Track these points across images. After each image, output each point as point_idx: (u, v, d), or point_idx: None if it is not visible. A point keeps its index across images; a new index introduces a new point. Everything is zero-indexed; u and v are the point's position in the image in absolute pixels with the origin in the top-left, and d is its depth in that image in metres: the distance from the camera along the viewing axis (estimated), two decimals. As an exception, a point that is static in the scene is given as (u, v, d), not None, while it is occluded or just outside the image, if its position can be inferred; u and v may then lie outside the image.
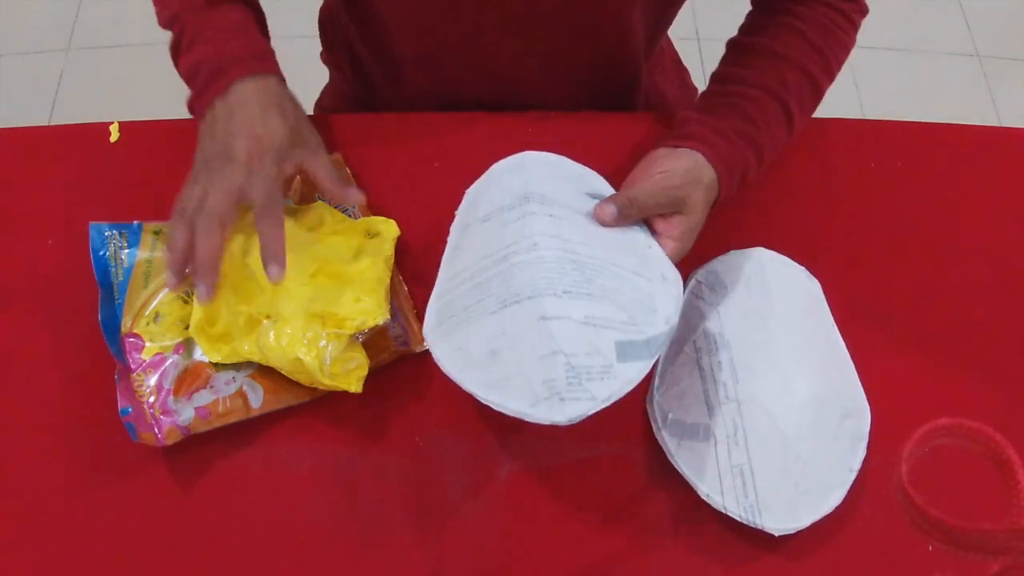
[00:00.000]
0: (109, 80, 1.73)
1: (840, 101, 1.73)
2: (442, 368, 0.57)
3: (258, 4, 0.71)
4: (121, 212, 0.69)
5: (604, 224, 0.62)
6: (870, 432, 0.61)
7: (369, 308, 0.61)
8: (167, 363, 0.61)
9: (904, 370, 0.66)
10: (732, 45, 0.73)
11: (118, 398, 0.60)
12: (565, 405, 0.53)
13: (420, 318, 0.63)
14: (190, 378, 0.61)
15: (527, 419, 0.55)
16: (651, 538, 0.59)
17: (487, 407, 0.59)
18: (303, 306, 0.60)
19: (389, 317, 0.62)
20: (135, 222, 0.66)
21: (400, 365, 0.64)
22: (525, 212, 0.61)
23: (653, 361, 0.56)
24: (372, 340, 0.63)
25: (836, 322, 0.66)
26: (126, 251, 0.65)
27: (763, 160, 0.68)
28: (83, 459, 0.61)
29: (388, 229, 0.68)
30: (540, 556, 0.59)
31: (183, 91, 0.68)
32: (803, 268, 0.68)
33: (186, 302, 0.64)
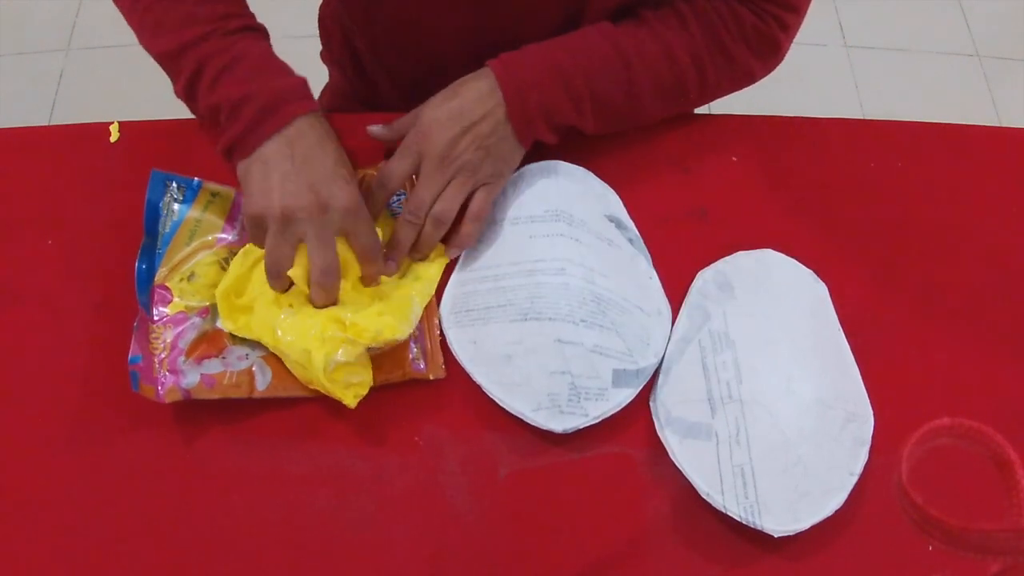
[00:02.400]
0: (109, 80, 1.73)
1: (840, 101, 1.74)
2: (454, 353, 0.64)
3: (262, 26, 0.68)
4: (121, 212, 0.69)
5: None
6: (872, 436, 0.61)
7: (389, 322, 0.60)
8: (187, 323, 0.62)
9: (905, 372, 0.66)
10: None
11: (132, 345, 0.60)
12: (563, 417, 0.60)
13: (444, 348, 0.64)
14: (206, 343, 0.62)
15: (526, 420, 0.61)
16: (651, 538, 0.59)
17: (487, 408, 0.62)
18: (329, 307, 0.61)
19: (406, 336, 0.62)
20: (196, 179, 0.66)
21: (400, 365, 0.64)
22: (554, 231, 0.66)
23: (639, 389, 0.63)
24: (389, 355, 0.63)
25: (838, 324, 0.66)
26: (178, 205, 0.65)
27: (573, 92, 0.66)
28: (84, 460, 0.61)
29: (437, 254, 0.67)
30: (540, 556, 0.59)
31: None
32: (810, 271, 0.68)
33: (223, 269, 0.64)
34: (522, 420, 0.61)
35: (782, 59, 0.74)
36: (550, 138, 0.69)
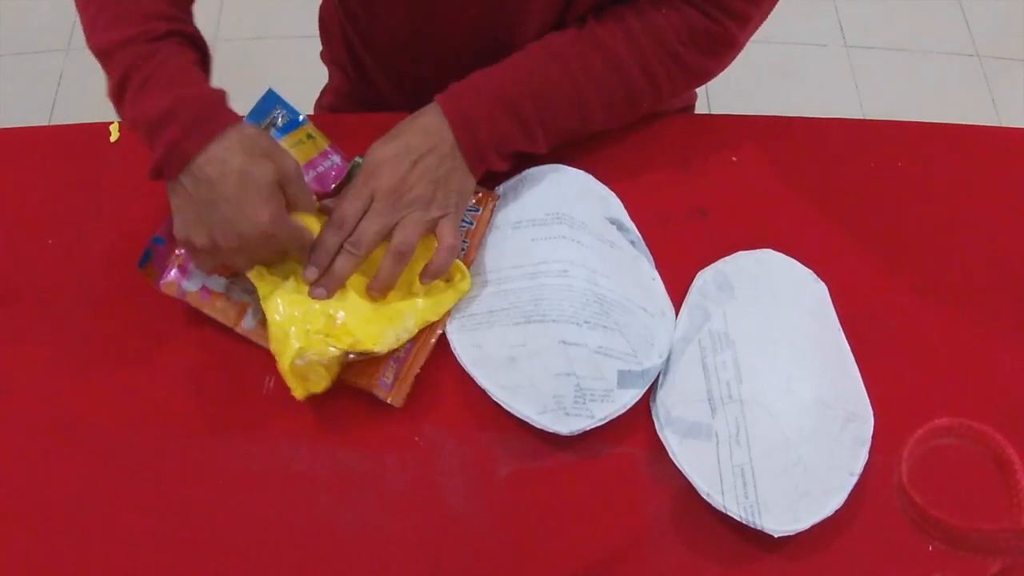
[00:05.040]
0: (109, 80, 1.73)
1: (840, 101, 1.74)
2: (457, 358, 0.64)
3: (195, 32, 0.64)
4: (121, 212, 0.70)
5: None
6: (872, 436, 0.61)
7: (372, 333, 0.60)
8: None
9: (904, 372, 0.66)
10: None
11: (162, 227, 0.63)
12: (569, 419, 0.60)
13: (418, 381, 0.63)
14: (221, 266, 0.63)
15: (531, 423, 0.61)
16: (651, 537, 0.59)
17: (487, 408, 0.62)
18: (329, 300, 0.61)
19: (383, 351, 0.61)
20: (302, 115, 0.67)
21: (400, 365, 0.64)
22: (556, 234, 0.66)
23: (645, 390, 0.63)
24: (364, 365, 0.62)
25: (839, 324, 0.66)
26: (275, 130, 0.66)
27: (522, 120, 0.66)
28: (84, 459, 0.61)
29: (460, 276, 0.65)
30: (540, 556, 0.59)
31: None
32: (810, 270, 0.68)
33: None
34: (522, 420, 0.61)
35: (739, 51, 0.73)
36: (501, 166, 0.68)
